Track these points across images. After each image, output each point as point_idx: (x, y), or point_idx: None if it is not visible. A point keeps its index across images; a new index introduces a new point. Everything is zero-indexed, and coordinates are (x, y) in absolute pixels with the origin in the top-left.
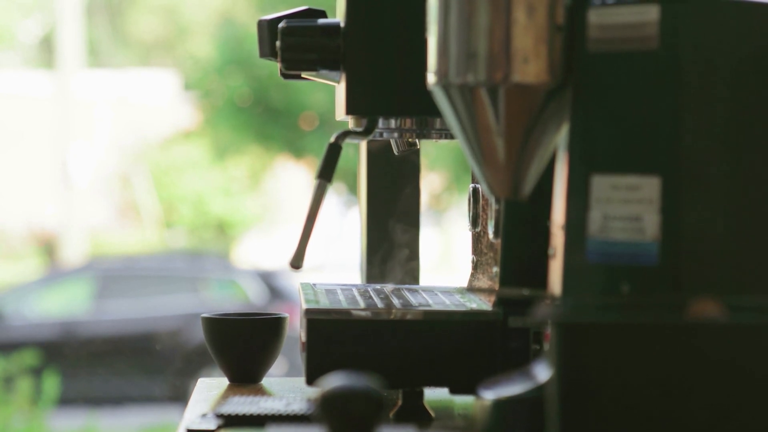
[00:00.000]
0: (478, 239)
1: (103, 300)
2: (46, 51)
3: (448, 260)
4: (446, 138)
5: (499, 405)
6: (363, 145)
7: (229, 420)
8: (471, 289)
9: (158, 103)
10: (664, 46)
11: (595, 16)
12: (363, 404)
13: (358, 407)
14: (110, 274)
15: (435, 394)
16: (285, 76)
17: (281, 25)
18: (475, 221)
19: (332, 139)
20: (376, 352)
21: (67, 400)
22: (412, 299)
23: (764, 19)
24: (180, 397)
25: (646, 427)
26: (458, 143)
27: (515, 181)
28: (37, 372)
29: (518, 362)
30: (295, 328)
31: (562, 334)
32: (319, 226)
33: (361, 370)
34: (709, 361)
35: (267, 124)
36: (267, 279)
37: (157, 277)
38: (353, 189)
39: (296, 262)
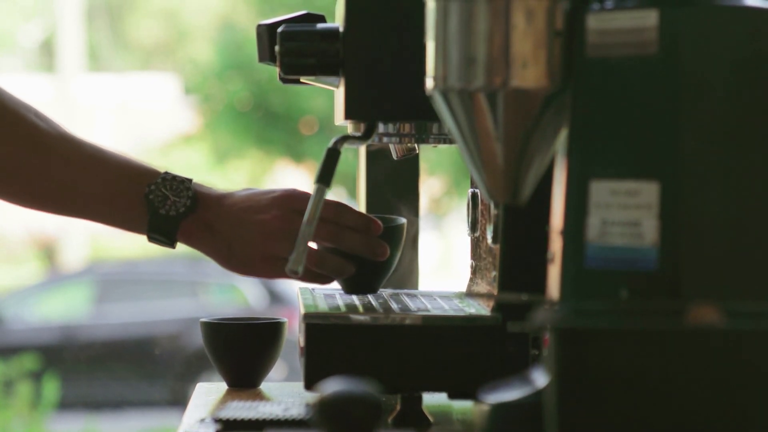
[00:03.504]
0: (477, 244)
1: (103, 304)
2: (47, 55)
3: (448, 265)
4: (445, 143)
5: (498, 410)
6: (362, 149)
7: (227, 425)
8: (470, 293)
9: (158, 107)
10: (663, 51)
11: (594, 21)
12: (361, 409)
13: (356, 412)
14: (110, 279)
15: (433, 399)
16: (284, 80)
17: (280, 29)
18: (474, 226)
19: (331, 144)
20: (374, 357)
21: (66, 405)
22: (411, 304)
23: (764, 24)
24: (179, 401)
25: None
26: (457, 148)
27: (514, 186)
28: (36, 376)
29: (517, 367)
30: (294, 333)
31: (561, 339)
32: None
33: (359, 375)
34: (709, 368)
35: (267, 128)
36: (266, 283)
37: (157, 281)
38: (352, 193)
39: (295, 267)
